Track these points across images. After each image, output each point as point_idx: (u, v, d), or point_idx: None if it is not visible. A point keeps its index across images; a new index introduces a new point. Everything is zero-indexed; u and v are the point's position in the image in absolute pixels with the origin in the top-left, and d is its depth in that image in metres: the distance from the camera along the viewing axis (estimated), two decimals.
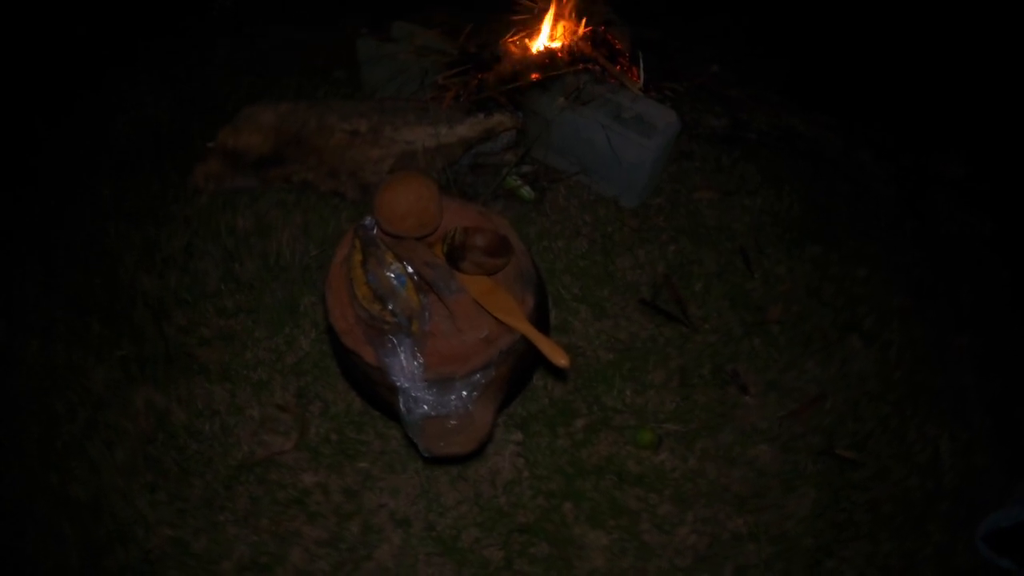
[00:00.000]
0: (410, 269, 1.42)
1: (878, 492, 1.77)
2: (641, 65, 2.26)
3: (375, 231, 1.48)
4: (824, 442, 1.82)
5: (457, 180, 2.20)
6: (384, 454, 1.72)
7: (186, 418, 1.80)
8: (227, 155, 2.22)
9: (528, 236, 2.12)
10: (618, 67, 2.27)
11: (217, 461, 1.73)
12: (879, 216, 2.35)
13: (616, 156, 2.06)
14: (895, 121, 2.61)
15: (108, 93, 2.66)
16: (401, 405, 1.30)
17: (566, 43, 2.30)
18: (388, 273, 1.41)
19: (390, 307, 1.35)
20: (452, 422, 1.28)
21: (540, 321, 1.44)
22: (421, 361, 1.29)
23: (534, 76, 2.19)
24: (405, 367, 1.29)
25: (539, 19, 2.37)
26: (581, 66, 2.22)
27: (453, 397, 1.27)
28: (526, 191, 2.21)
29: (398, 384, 1.28)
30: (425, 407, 1.28)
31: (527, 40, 2.36)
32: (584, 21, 2.32)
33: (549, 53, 2.27)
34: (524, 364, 1.44)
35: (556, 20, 2.34)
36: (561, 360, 1.27)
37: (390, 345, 1.32)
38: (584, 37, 2.30)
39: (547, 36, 2.36)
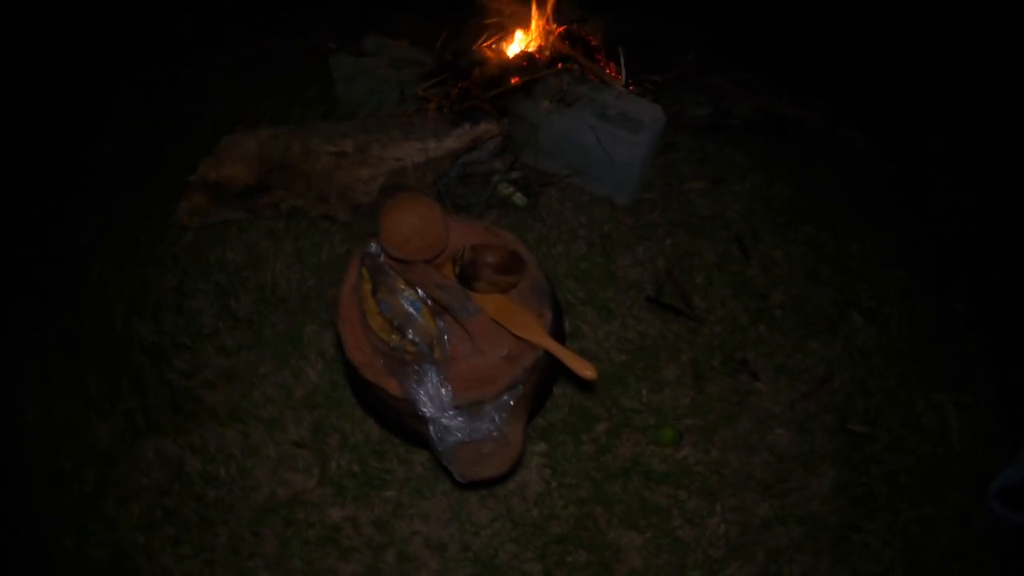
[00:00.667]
0: (423, 294, 1.46)
1: (893, 463, 1.86)
2: (621, 60, 2.31)
3: (382, 258, 1.51)
4: (837, 420, 1.91)
5: (449, 192, 2.24)
6: (410, 480, 1.76)
7: (201, 465, 1.83)
8: (211, 188, 2.22)
9: (527, 243, 2.14)
10: (597, 64, 2.33)
11: (239, 506, 1.76)
12: (868, 192, 2.45)
13: (607, 155, 2.12)
14: (879, 96, 2.71)
15: (76, 123, 2.64)
16: (432, 434, 1.34)
17: (542, 44, 2.35)
18: (402, 300, 1.45)
19: (409, 336, 1.38)
20: (487, 447, 1.32)
21: (558, 333, 1.49)
22: (449, 388, 1.33)
23: (515, 80, 2.24)
24: (433, 396, 1.33)
25: (511, 21, 2.41)
26: (560, 66, 2.27)
27: (485, 423, 1.32)
28: (519, 197, 2.25)
29: (427, 414, 1.33)
30: (458, 434, 1.32)
31: (502, 44, 2.40)
32: (557, 20, 2.37)
33: (527, 56, 2.32)
34: (547, 378, 1.49)
35: (529, 21, 2.39)
36: (588, 372, 1.32)
37: (414, 375, 1.35)
38: (559, 36, 2.35)
39: (522, 38, 2.40)
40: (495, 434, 1.33)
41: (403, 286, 1.46)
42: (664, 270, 2.13)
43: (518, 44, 2.41)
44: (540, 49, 2.35)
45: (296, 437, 1.85)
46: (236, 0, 3.09)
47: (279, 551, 1.69)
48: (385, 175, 2.19)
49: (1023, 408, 1.99)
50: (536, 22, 2.39)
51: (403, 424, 1.51)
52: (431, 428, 1.34)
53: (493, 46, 2.40)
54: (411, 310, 1.43)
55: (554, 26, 2.37)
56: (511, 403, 1.34)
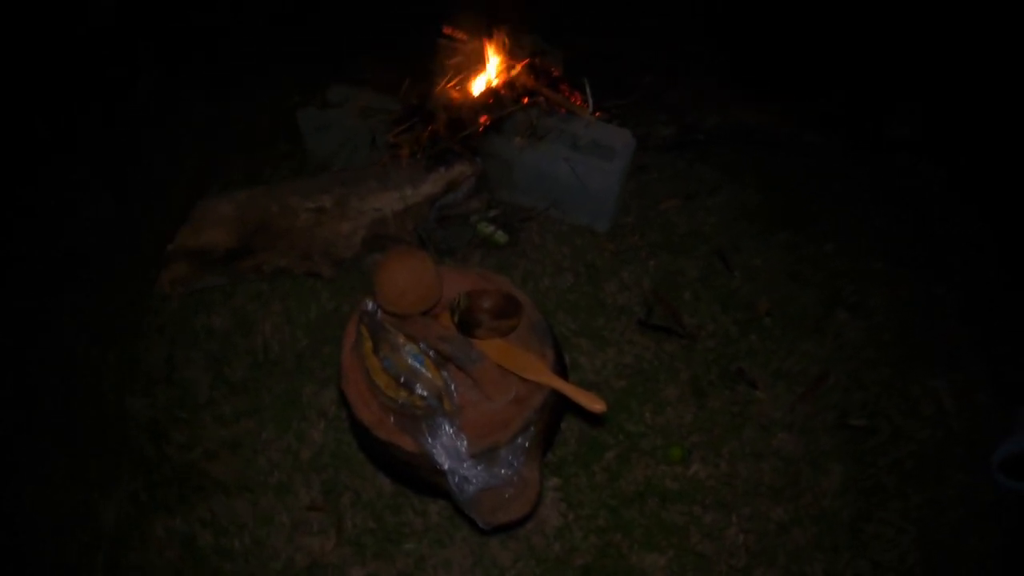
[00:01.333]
0: (425, 347, 1.53)
1: (897, 452, 1.97)
2: (587, 90, 2.43)
3: (379, 315, 1.59)
4: (837, 417, 2.02)
5: (430, 237, 2.33)
6: (428, 530, 1.82)
7: (213, 539, 1.86)
8: (191, 256, 2.27)
9: (514, 280, 2.26)
10: (563, 95, 2.45)
11: None
12: (837, 188, 2.60)
13: (582, 185, 2.24)
14: (838, 93, 2.88)
15: (43, 199, 2.68)
16: (452, 485, 1.41)
17: (506, 80, 2.46)
18: (405, 356, 1.52)
19: (418, 390, 1.46)
20: (507, 491, 1.40)
21: (561, 370, 1.59)
22: (463, 438, 1.41)
23: (484, 119, 2.34)
24: (449, 448, 1.40)
25: (472, 59, 2.51)
26: (526, 101, 2.39)
27: (502, 467, 1.40)
28: (500, 235, 2.35)
29: (446, 467, 1.40)
30: (477, 482, 1.40)
31: (467, 83, 2.51)
32: (518, 54, 2.49)
33: (492, 93, 2.43)
34: (555, 415, 1.58)
35: (490, 57, 2.50)
36: (598, 406, 1.40)
37: (427, 429, 1.43)
38: (523, 71, 2.47)
39: (485, 76, 2.51)
40: (514, 478, 1.41)
41: (404, 341, 1.54)
42: (651, 292, 2.24)
43: (482, 82, 2.51)
44: (505, 85, 2.46)
45: (308, 500, 1.90)
46: (190, 61, 3.17)
47: None
48: (366, 227, 2.27)
49: (1015, 379, 2.13)
50: (497, 58, 2.50)
51: (419, 477, 1.58)
52: (450, 479, 1.41)
53: (458, 87, 2.50)
54: (415, 364, 1.51)
55: (516, 61, 2.49)
56: (525, 445, 1.42)
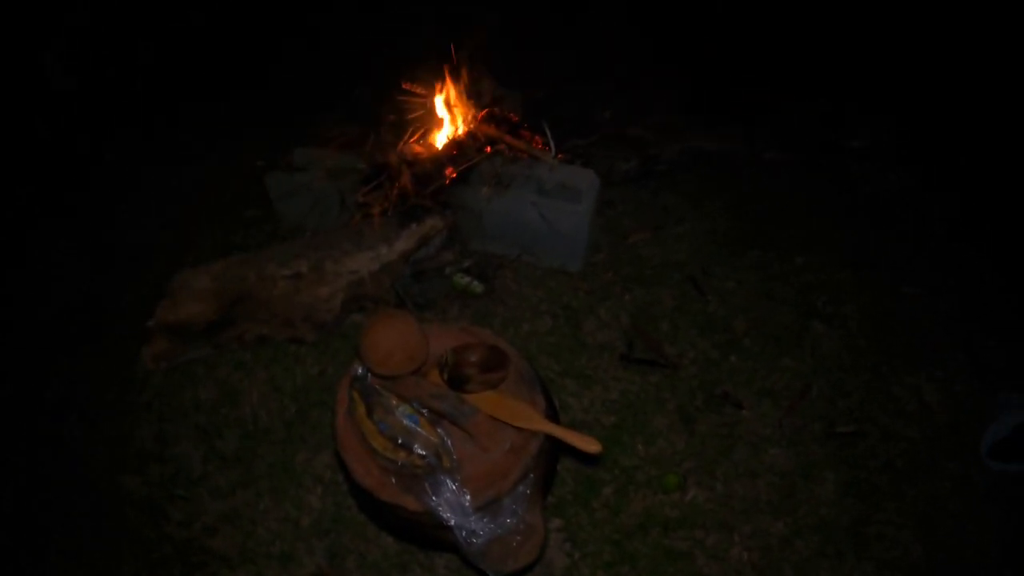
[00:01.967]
0: (417, 406, 1.62)
1: (887, 452, 2.10)
2: (548, 133, 2.58)
3: (369, 378, 1.69)
4: (825, 426, 2.15)
5: (407, 293, 2.44)
6: None
7: None
8: (172, 330, 2.34)
9: (494, 328, 2.38)
10: (524, 140, 2.60)
11: None
12: (801, 202, 2.78)
13: (552, 228, 2.37)
14: (793, 110, 3.08)
15: (17, 281, 2.75)
16: (460, 540, 1.50)
17: (468, 130, 2.61)
18: (399, 417, 1.62)
19: (416, 450, 1.56)
20: (514, 539, 1.50)
21: (552, 414, 1.70)
22: (466, 493, 1.50)
23: (449, 172, 2.48)
24: (452, 504, 1.49)
25: (433, 113, 2.66)
26: (489, 150, 2.53)
27: (507, 517, 1.49)
28: (476, 285, 2.47)
29: (452, 523, 1.49)
30: (484, 534, 1.49)
31: (429, 137, 2.65)
32: (476, 103, 2.64)
33: (455, 145, 2.57)
34: (552, 459, 1.69)
35: (450, 110, 2.64)
36: (594, 447, 1.50)
37: (430, 487, 1.52)
38: (483, 120, 2.62)
39: (447, 128, 2.65)
40: (520, 525, 1.50)
41: (397, 402, 1.63)
42: (630, 326, 2.37)
43: (444, 135, 2.65)
44: (467, 136, 2.60)
45: (313, 567, 1.95)
46: (151, 133, 3.29)
47: None
48: (344, 289, 2.37)
49: (992, 366, 2.29)
50: (457, 110, 2.64)
51: (424, 534, 1.67)
52: (458, 534, 1.49)
53: (420, 141, 2.63)
54: (411, 424, 1.60)
55: (475, 111, 2.63)
56: (527, 492, 1.53)
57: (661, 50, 3.41)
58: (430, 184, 2.48)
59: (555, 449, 1.66)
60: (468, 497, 1.49)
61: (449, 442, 1.59)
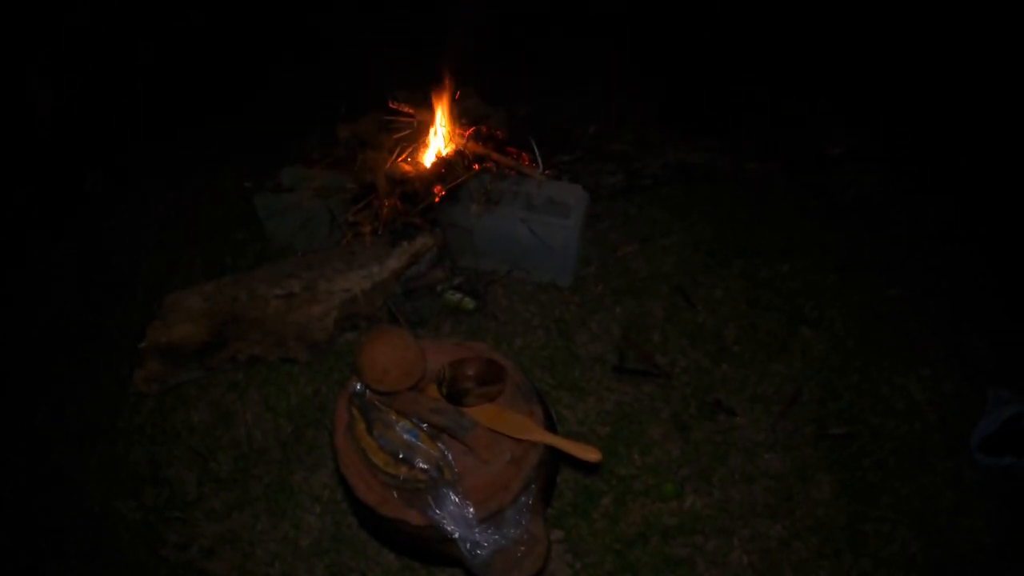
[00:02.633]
0: (417, 420, 1.67)
1: (879, 451, 2.19)
2: (535, 150, 2.67)
3: (368, 395, 1.74)
4: (817, 429, 2.24)
5: (400, 310, 2.51)
6: None
7: None
8: (164, 352, 2.37)
9: (487, 343, 2.43)
10: (512, 157, 2.68)
11: None
12: (785, 210, 2.89)
13: (542, 243, 2.45)
14: (772, 121, 3.21)
15: (5, 302, 2.77)
16: (465, 552, 1.54)
17: (456, 148, 2.68)
18: (399, 432, 1.67)
19: (418, 464, 1.61)
20: (518, 549, 1.55)
21: (550, 425, 1.76)
22: (469, 505, 1.54)
23: (438, 190, 2.55)
24: (456, 516, 1.53)
25: (420, 132, 2.73)
26: (477, 167, 2.61)
27: (510, 528, 1.55)
28: (467, 302, 2.54)
29: (456, 535, 1.54)
30: (489, 545, 1.55)
31: (417, 155, 2.71)
32: (463, 121, 2.72)
33: (444, 163, 2.64)
34: (552, 469, 1.75)
35: (437, 127, 2.72)
36: (593, 455, 1.56)
37: (433, 501, 1.57)
38: (471, 138, 2.70)
39: (435, 146, 2.73)
40: (523, 536, 1.56)
41: (396, 418, 1.68)
42: (621, 338, 2.45)
43: (433, 153, 2.73)
44: (455, 154, 2.67)
45: None
46: (138, 154, 3.35)
47: None
48: (337, 308, 2.43)
49: (978, 362, 2.39)
50: (445, 128, 2.72)
51: (429, 549, 1.72)
52: (462, 547, 1.54)
53: (409, 160, 2.70)
54: (411, 439, 1.64)
55: (462, 129, 2.72)
56: (529, 502, 1.58)
57: (637, 62, 3.54)
58: (419, 202, 2.55)
59: (555, 460, 1.73)
60: (471, 509, 1.54)
61: (450, 456, 1.63)
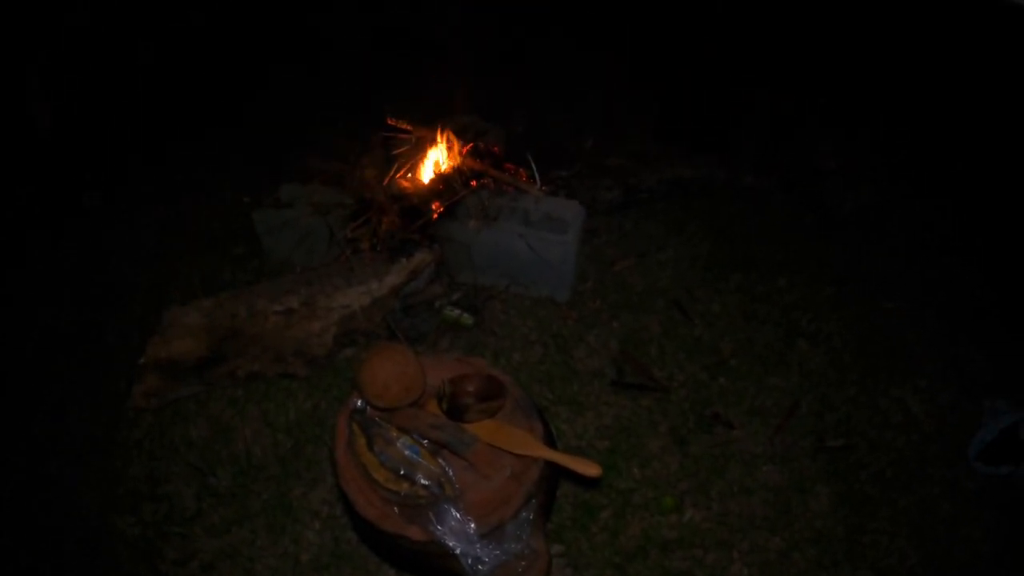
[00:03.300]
0: (417, 436, 1.71)
1: (877, 463, 2.25)
2: (532, 166, 2.73)
3: (368, 411, 1.78)
4: (815, 441, 2.29)
5: (398, 326, 2.55)
6: None
7: None
8: (163, 368, 2.40)
9: (485, 359, 2.48)
10: (509, 173, 2.74)
11: None
12: (780, 223, 2.95)
13: (540, 259, 2.51)
14: (768, 129, 3.28)
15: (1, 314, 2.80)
16: (467, 567, 1.57)
17: (453, 165, 2.74)
18: (400, 448, 1.71)
19: (420, 480, 1.66)
20: (520, 564, 1.60)
21: (550, 440, 1.81)
22: (470, 520, 1.58)
23: (436, 206, 2.61)
24: (457, 531, 1.57)
25: (418, 149, 2.79)
26: (475, 184, 2.66)
27: (511, 542, 1.59)
28: (465, 318, 2.59)
29: (458, 551, 1.57)
30: (490, 560, 1.59)
31: (415, 172, 2.78)
32: (460, 138, 2.78)
33: (441, 179, 2.70)
34: (552, 483, 1.80)
35: (434, 144, 2.78)
36: (593, 470, 1.60)
37: (434, 516, 1.60)
38: (468, 154, 2.76)
39: (432, 163, 2.79)
40: (525, 550, 1.60)
41: (397, 434, 1.73)
42: (619, 352, 2.51)
43: (430, 170, 2.79)
44: (453, 170, 2.73)
45: None
46: (136, 167, 3.40)
47: None
48: (336, 324, 2.47)
49: (974, 374, 2.45)
50: (442, 145, 2.78)
51: (430, 565, 1.75)
52: (464, 562, 1.57)
53: (407, 176, 2.76)
54: (411, 455, 1.68)
55: (459, 145, 2.77)
56: (530, 517, 1.63)
57: (635, 73, 3.61)
58: (417, 218, 2.61)
59: (555, 475, 1.77)
60: (473, 524, 1.57)
61: (451, 471, 1.66)
